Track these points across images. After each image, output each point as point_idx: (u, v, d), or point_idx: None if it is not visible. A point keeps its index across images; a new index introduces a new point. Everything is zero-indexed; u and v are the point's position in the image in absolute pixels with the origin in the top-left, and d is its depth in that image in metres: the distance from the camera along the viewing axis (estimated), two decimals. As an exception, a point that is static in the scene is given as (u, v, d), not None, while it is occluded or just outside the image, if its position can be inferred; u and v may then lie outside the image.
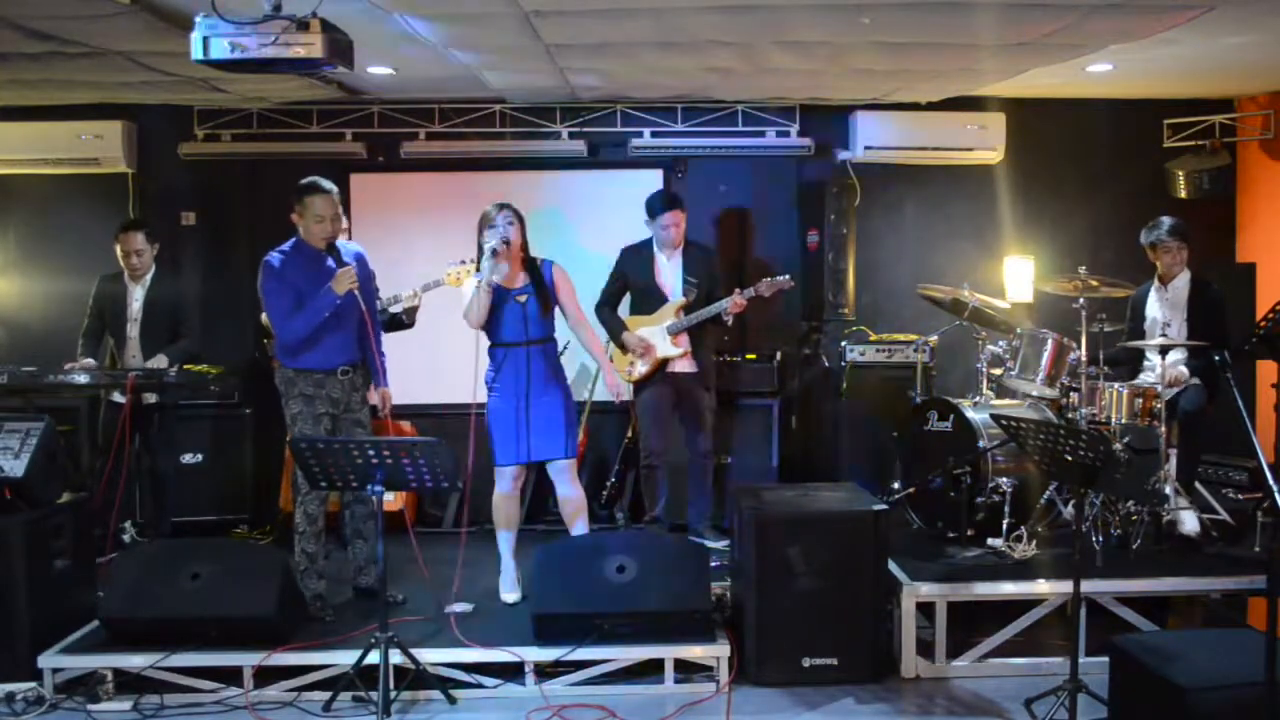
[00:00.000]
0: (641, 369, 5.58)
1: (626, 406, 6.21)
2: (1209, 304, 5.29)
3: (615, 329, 5.60)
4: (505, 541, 4.84)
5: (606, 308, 5.64)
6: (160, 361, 5.39)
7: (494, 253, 4.56)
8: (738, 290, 5.47)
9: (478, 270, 4.64)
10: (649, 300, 5.64)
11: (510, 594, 4.78)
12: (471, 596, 4.81)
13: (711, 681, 4.22)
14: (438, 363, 6.43)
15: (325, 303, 4.50)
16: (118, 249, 5.62)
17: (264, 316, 5.61)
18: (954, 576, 4.55)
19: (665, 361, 5.58)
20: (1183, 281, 5.36)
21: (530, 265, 4.74)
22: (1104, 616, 4.42)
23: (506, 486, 4.78)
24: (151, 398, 5.45)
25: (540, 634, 4.24)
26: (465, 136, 6.72)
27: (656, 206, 5.59)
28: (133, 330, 5.63)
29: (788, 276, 5.63)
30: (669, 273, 5.65)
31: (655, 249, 5.67)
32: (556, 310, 4.78)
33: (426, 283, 5.38)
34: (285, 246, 4.65)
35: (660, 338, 5.57)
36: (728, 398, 6.18)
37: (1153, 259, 5.41)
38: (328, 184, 4.60)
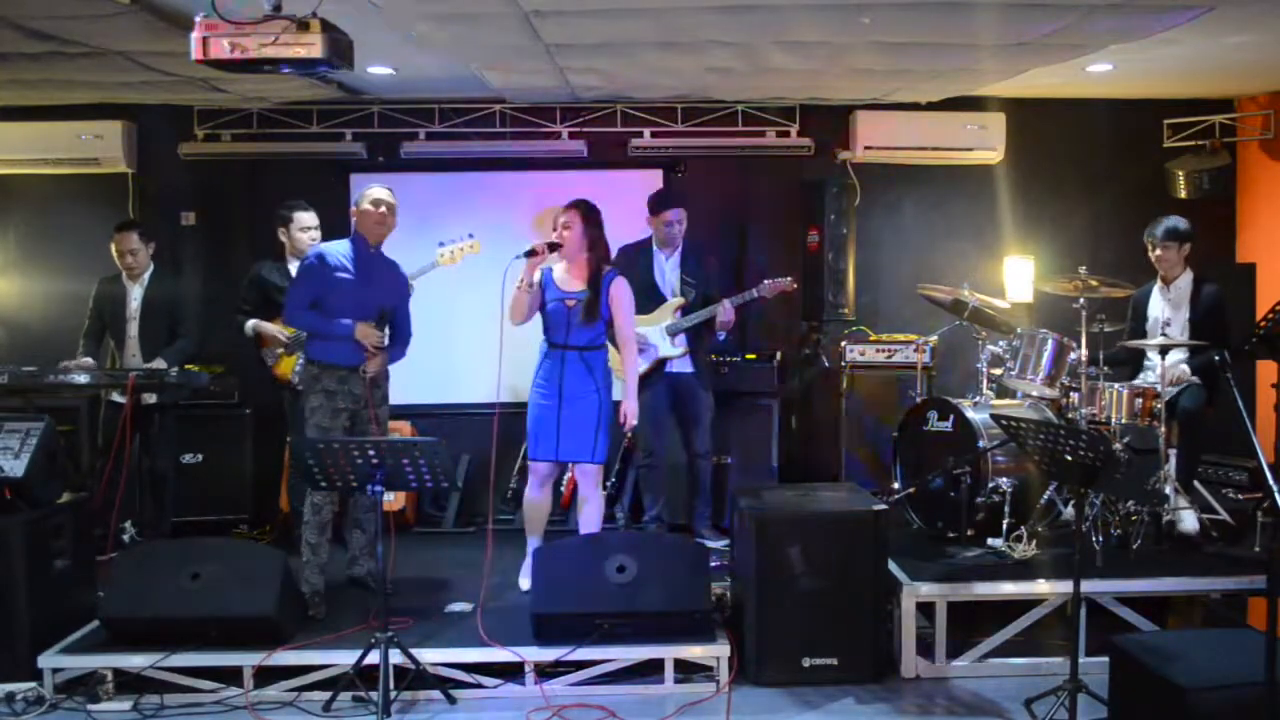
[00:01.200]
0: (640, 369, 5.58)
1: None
2: (1210, 304, 5.29)
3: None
4: (532, 542, 4.92)
5: None
6: (159, 364, 5.40)
7: (530, 253, 4.58)
8: (725, 302, 5.47)
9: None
10: (648, 300, 5.61)
11: (530, 581, 4.72)
12: (471, 596, 4.81)
13: (711, 681, 4.22)
14: (439, 363, 6.45)
15: (339, 329, 4.60)
16: (113, 249, 5.63)
17: (248, 326, 5.59)
18: (954, 576, 4.55)
19: (663, 361, 5.58)
20: (1185, 282, 5.37)
21: (595, 271, 4.69)
22: (1104, 616, 4.42)
23: (536, 485, 4.82)
24: (151, 398, 5.45)
25: (540, 634, 4.23)
26: (465, 136, 6.72)
27: (659, 203, 5.61)
28: (132, 330, 5.64)
29: (789, 279, 5.64)
30: (668, 272, 5.66)
31: (654, 248, 5.67)
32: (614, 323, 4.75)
33: (414, 270, 5.31)
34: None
35: (660, 337, 5.57)
36: (728, 398, 6.17)
37: (1150, 255, 5.42)
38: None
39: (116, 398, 5.47)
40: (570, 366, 4.68)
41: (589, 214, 4.69)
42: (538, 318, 4.79)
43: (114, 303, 5.66)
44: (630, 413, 4.73)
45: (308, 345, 4.74)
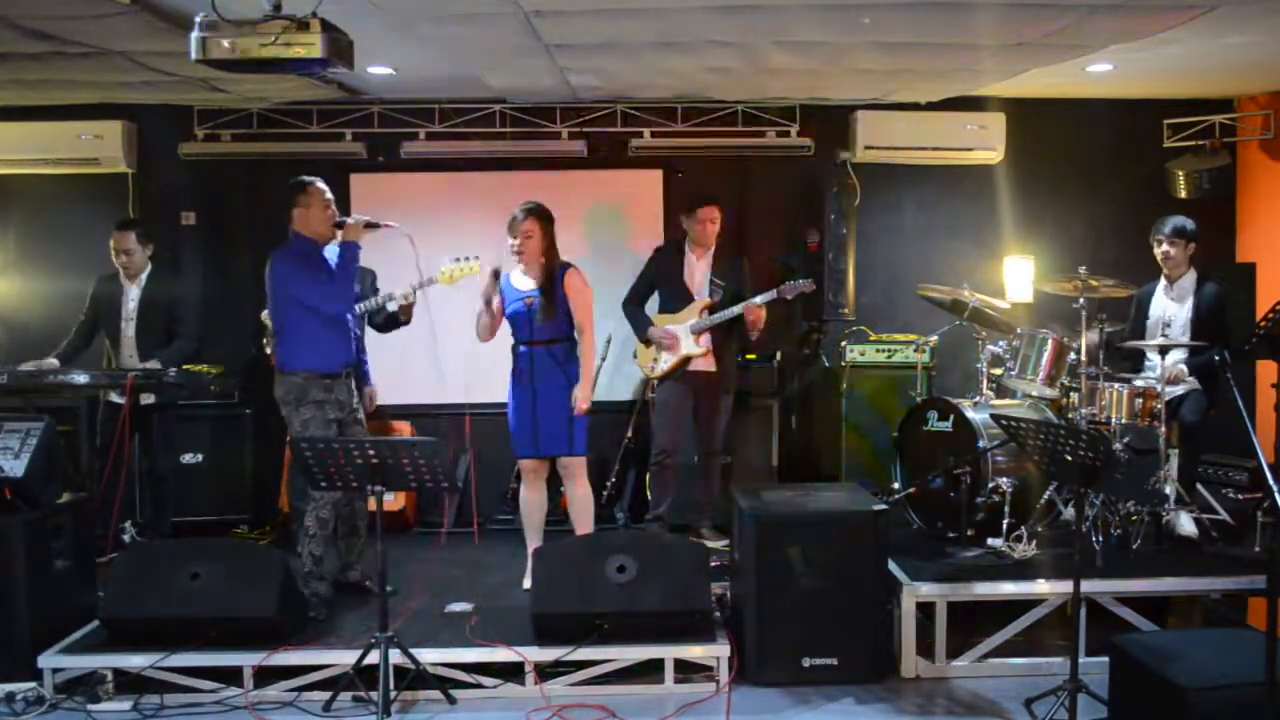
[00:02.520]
0: (664, 366, 5.62)
1: (634, 406, 6.24)
2: (1212, 303, 5.29)
3: (640, 324, 5.67)
4: (532, 542, 4.95)
5: (633, 304, 5.72)
6: (153, 365, 5.37)
7: (495, 275, 4.74)
8: (753, 300, 5.49)
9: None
10: (676, 299, 5.70)
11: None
12: (471, 596, 4.82)
13: (711, 681, 4.22)
14: (439, 364, 6.45)
15: (352, 254, 4.59)
16: (111, 247, 5.61)
17: (264, 314, 5.60)
18: (954, 576, 4.55)
19: (687, 360, 5.61)
20: (1189, 281, 5.37)
21: (549, 267, 4.77)
22: (1104, 616, 4.42)
23: (530, 481, 4.89)
24: (149, 398, 5.44)
25: (540, 634, 4.23)
26: (465, 136, 6.72)
27: (694, 202, 5.68)
28: (129, 330, 5.62)
29: (809, 280, 5.66)
30: (698, 273, 5.70)
31: (687, 249, 5.72)
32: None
33: (419, 281, 5.31)
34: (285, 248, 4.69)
35: (684, 336, 5.61)
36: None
37: (1156, 252, 5.42)
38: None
39: (114, 398, 5.46)
40: (539, 362, 4.77)
41: (547, 220, 4.81)
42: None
43: (110, 302, 5.63)
44: (580, 398, 4.77)
45: (290, 354, 4.62)
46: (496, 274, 4.81)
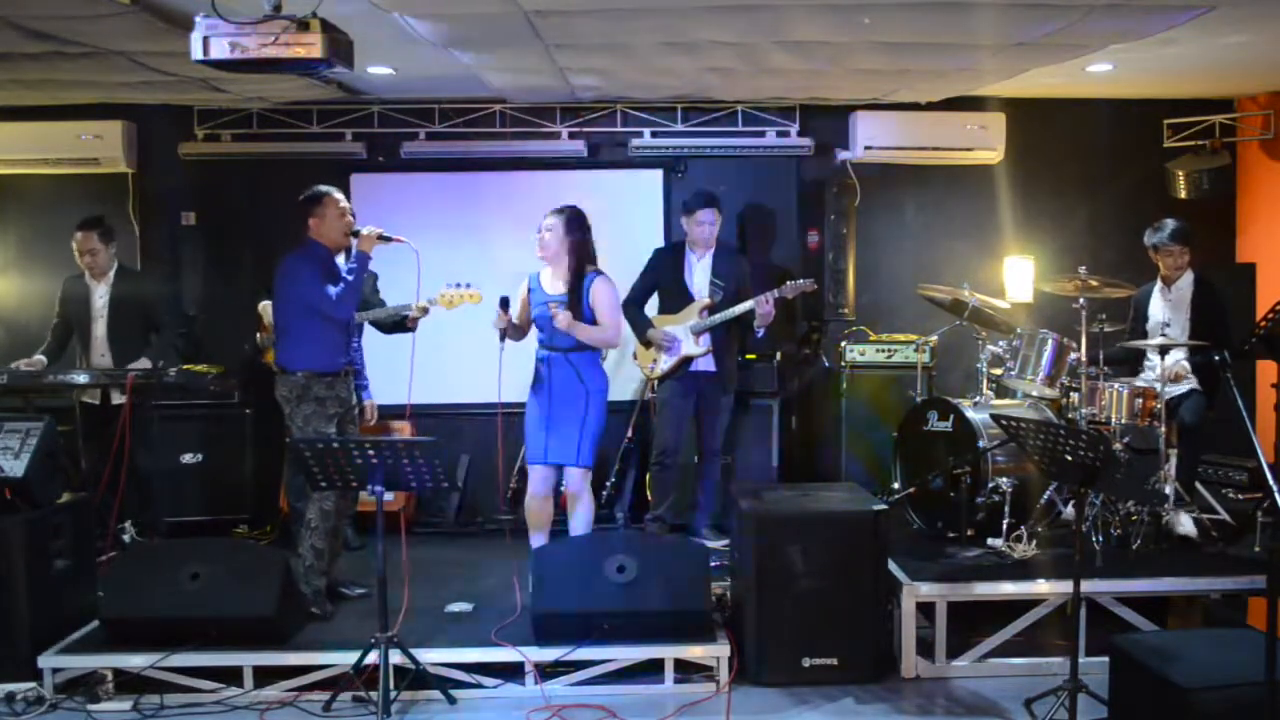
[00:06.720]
0: (664, 366, 5.62)
1: (634, 405, 6.22)
2: (1212, 305, 5.29)
3: (641, 326, 5.66)
4: (536, 543, 4.85)
5: (633, 305, 5.70)
6: (143, 364, 5.34)
7: (504, 304, 4.72)
8: (764, 297, 5.48)
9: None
10: (676, 299, 5.71)
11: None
12: (471, 596, 4.82)
13: (711, 681, 4.22)
14: (439, 363, 6.45)
15: (362, 264, 4.57)
16: (74, 247, 5.58)
17: (262, 305, 5.57)
18: (954, 576, 4.55)
19: (687, 360, 5.62)
20: (1186, 282, 5.37)
21: (576, 273, 4.72)
22: (1104, 616, 4.42)
23: (536, 487, 4.80)
24: (119, 398, 5.35)
25: (540, 634, 4.23)
26: (465, 136, 6.72)
27: (693, 203, 5.69)
28: (99, 329, 5.59)
29: (810, 280, 5.68)
30: (698, 273, 5.71)
31: (687, 249, 5.73)
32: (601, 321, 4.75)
33: (427, 302, 5.24)
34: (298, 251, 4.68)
35: (684, 336, 5.62)
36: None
37: (1155, 260, 5.41)
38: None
39: (87, 399, 5.44)
40: (556, 368, 4.72)
41: (571, 220, 4.74)
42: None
43: (76, 302, 5.61)
44: (565, 318, 4.62)
45: (293, 355, 4.58)
46: (504, 302, 4.74)
